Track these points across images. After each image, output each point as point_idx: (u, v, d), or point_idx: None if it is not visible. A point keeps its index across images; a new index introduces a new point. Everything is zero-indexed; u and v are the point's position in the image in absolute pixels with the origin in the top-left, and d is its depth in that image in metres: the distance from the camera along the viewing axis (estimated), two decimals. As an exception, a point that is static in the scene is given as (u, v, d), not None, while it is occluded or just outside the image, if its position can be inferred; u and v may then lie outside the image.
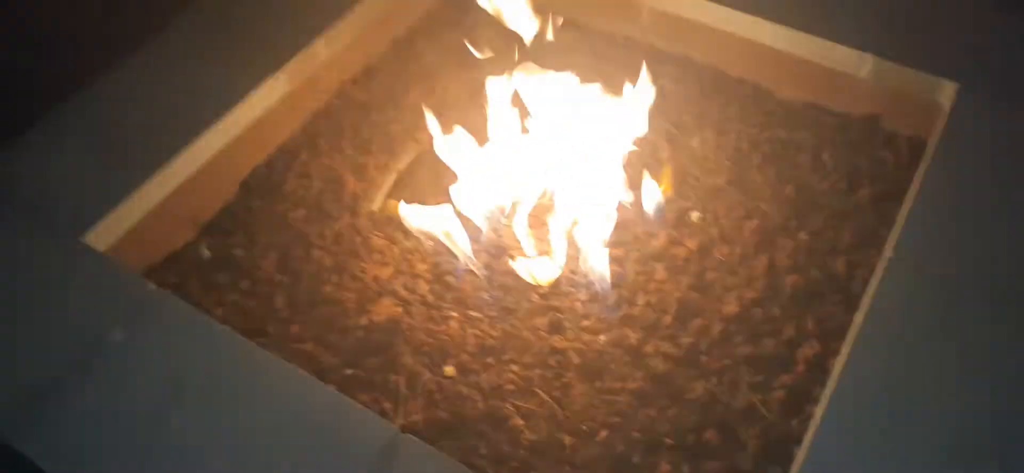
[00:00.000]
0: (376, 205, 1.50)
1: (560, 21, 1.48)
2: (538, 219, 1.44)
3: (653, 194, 1.40)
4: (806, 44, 1.49)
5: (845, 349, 1.10)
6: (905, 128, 1.50)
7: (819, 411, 1.04)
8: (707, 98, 1.62)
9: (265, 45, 1.51)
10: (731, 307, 1.29)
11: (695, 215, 1.43)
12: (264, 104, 1.46)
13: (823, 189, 1.45)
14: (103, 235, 1.26)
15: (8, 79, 1.50)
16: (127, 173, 1.31)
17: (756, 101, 1.61)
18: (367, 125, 1.61)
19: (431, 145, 1.58)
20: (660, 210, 1.41)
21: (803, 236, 1.38)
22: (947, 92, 1.38)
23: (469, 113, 1.63)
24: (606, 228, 1.34)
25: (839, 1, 1.52)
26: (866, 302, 1.13)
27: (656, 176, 1.44)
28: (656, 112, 1.59)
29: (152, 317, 1.14)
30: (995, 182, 1.25)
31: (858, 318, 1.13)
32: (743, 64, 1.63)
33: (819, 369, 1.20)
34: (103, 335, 1.11)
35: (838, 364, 1.09)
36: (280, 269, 1.40)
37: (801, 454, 1.02)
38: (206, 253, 1.41)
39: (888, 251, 1.17)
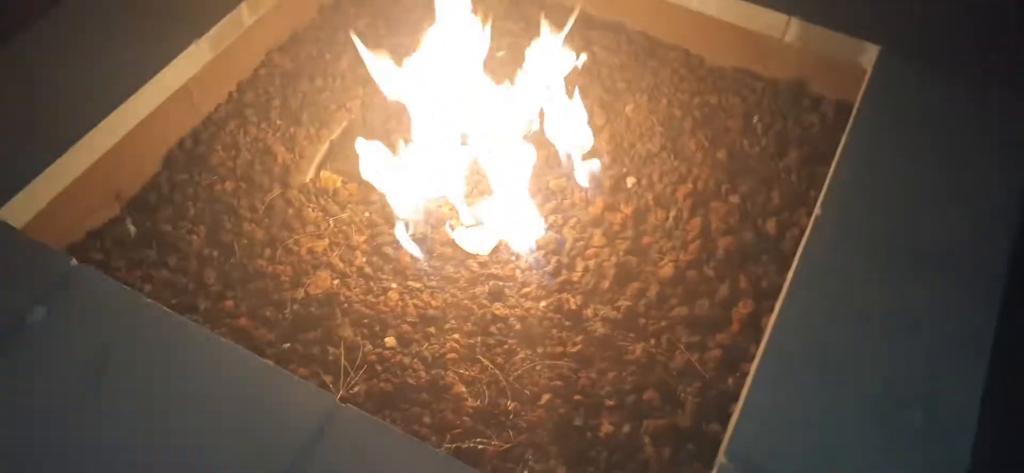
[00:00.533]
0: (308, 176, 1.47)
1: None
2: (475, 187, 1.43)
3: (589, 163, 1.42)
4: (733, 9, 1.52)
5: (776, 306, 1.13)
6: (831, 92, 1.54)
7: (753, 368, 1.07)
8: (640, 64, 1.63)
9: (186, 11, 1.44)
10: (667, 270, 1.31)
11: (630, 181, 1.44)
12: (187, 72, 1.40)
13: (754, 153, 1.48)
14: (18, 211, 1.19)
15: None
16: (42, 146, 1.24)
17: (688, 67, 1.63)
18: (296, 94, 1.56)
19: (362, 116, 1.56)
20: (596, 177, 1.42)
21: (735, 199, 1.40)
22: (870, 55, 1.42)
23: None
24: (524, 175, 1.35)
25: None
26: (795, 261, 1.17)
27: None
28: (590, 79, 1.60)
29: (74, 294, 1.09)
30: (916, 141, 1.30)
31: (788, 276, 1.16)
32: (675, 30, 1.64)
33: (753, 327, 1.24)
34: (23, 315, 1.05)
35: (770, 322, 1.12)
36: (210, 243, 1.35)
37: (737, 410, 1.04)
38: (131, 229, 1.35)
39: (816, 210, 1.21)
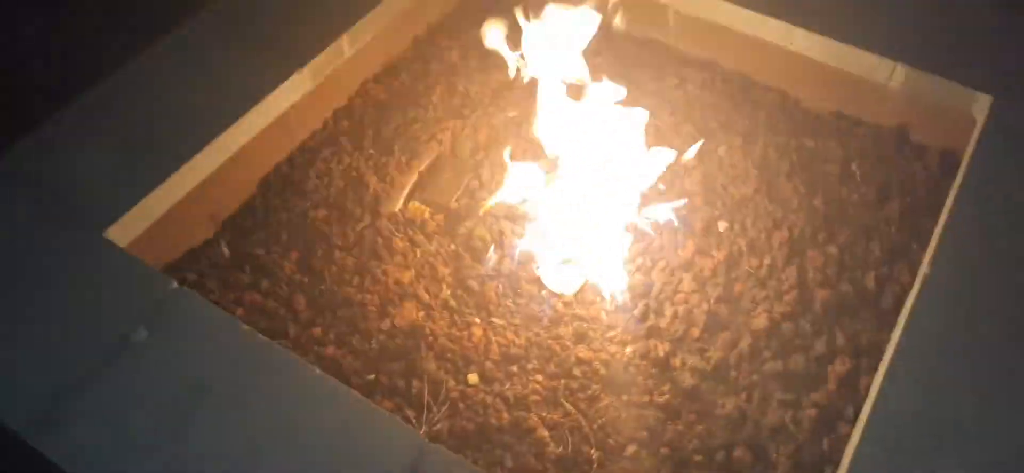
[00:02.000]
0: (397, 206, 1.48)
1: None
2: (564, 226, 1.42)
3: (673, 207, 1.39)
4: (837, 52, 1.47)
5: (882, 367, 1.08)
6: (935, 140, 1.47)
7: (856, 433, 1.02)
8: (734, 105, 1.59)
9: (287, 42, 1.48)
10: (760, 321, 1.27)
11: (722, 225, 1.41)
12: (287, 101, 1.44)
13: (853, 201, 1.42)
14: (124, 230, 1.23)
15: (28, 68, 1.47)
16: (149, 169, 1.28)
17: (783, 109, 1.58)
18: (388, 125, 1.58)
19: (452, 147, 1.56)
20: (684, 221, 1.39)
21: (833, 249, 1.35)
22: (981, 105, 1.36)
23: (491, 113, 1.61)
24: (624, 243, 1.34)
25: (871, 9, 1.49)
26: (902, 319, 1.11)
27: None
28: (682, 118, 1.57)
29: (175, 317, 1.12)
30: (1032, 200, 1.23)
31: (895, 335, 1.10)
32: (771, 71, 1.60)
33: (851, 387, 1.18)
34: (126, 334, 1.08)
35: (875, 383, 1.07)
36: (301, 269, 1.37)
37: (838, 476, 1.00)
38: (226, 251, 1.39)
39: (924, 268, 1.15)
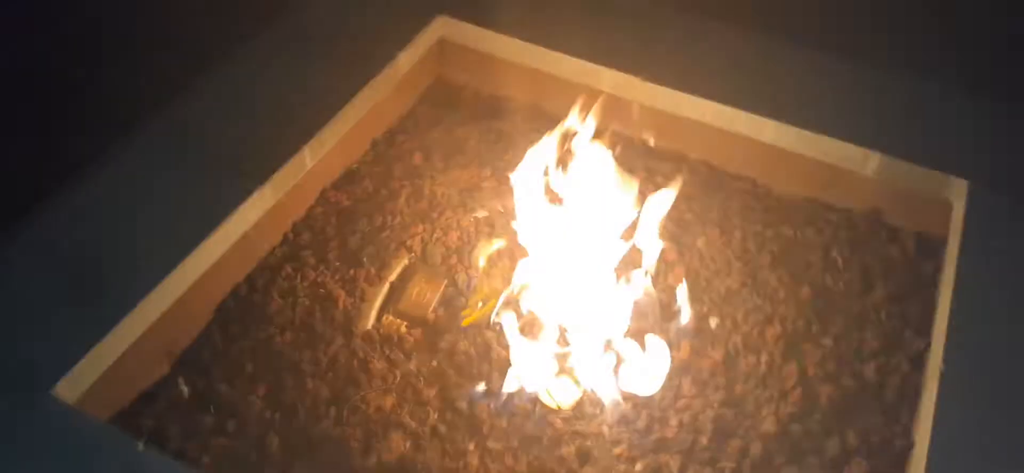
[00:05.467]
0: (370, 322, 1.38)
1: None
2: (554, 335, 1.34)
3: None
4: (809, 142, 1.47)
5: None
6: (908, 223, 1.49)
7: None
8: (707, 195, 1.57)
9: (242, 157, 1.37)
10: (768, 424, 1.22)
11: (714, 321, 1.37)
12: (247, 221, 1.32)
13: (839, 290, 1.41)
14: (74, 384, 1.08)
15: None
16: (96, 311, 1.14)
17: (755, 197, 1.57)
18: (354, 234, 1.48)
19: (422, 253, 1.48)
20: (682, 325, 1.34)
21: (828, 341, 1.33)
22: (957, 189, 1.37)
23: (460, 214, 1.53)
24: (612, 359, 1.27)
25: (841, 100, 1.52)
26: (924, 419, 1.08)
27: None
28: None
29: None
30: None
31: (921, 436, 1.07)
32: (739, 160, 1.60)
33: (872, 490, 1.14)
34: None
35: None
36: (270, 404, 1.24)
37: None
38: (185, 389, 1.25)
39: (937, 365, 1.13)
